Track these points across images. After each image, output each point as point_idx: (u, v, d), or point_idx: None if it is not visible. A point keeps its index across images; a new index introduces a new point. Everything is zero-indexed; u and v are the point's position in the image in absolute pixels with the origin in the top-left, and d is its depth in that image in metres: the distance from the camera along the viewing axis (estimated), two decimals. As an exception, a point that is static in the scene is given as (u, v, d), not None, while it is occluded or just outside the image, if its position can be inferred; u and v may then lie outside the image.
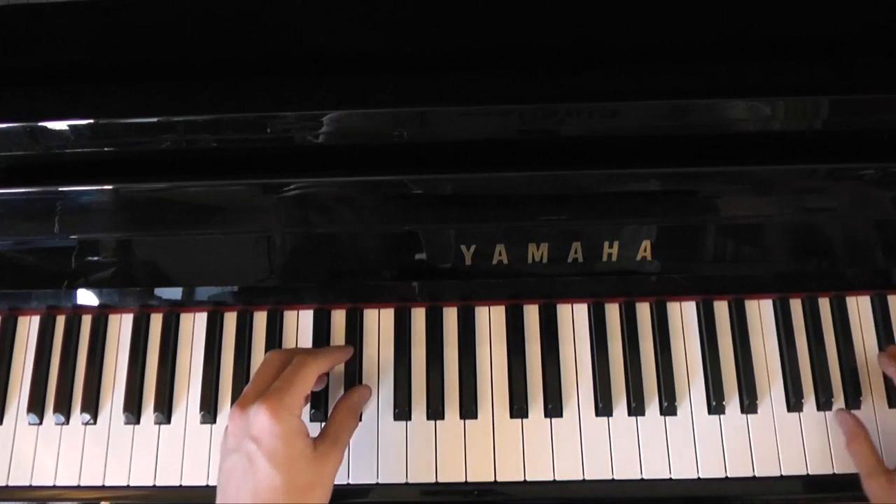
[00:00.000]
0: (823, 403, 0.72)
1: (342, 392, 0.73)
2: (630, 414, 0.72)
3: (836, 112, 0.65)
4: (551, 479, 0.71)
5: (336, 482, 0.70)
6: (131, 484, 0.72)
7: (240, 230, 0.70)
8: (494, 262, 0.71)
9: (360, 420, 0.73)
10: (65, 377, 0.75)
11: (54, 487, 0.72)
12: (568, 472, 0.71)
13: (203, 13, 0.71)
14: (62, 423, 0.74)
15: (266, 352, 0.75)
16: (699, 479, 0.71)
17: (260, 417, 0.60)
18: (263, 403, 0.61)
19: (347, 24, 0.71)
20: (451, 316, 0.76)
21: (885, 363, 0.72)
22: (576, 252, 0.71)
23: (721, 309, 0.75)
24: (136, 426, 0.74)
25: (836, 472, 0.71)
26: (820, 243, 0.72)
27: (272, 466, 0.59)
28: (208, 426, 0.73)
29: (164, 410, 0.74)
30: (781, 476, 0.70)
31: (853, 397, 0.72)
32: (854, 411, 0.72)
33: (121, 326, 0.76)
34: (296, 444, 0.61)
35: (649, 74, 0.67)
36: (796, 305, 0.75)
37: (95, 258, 0.72)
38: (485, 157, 0.69)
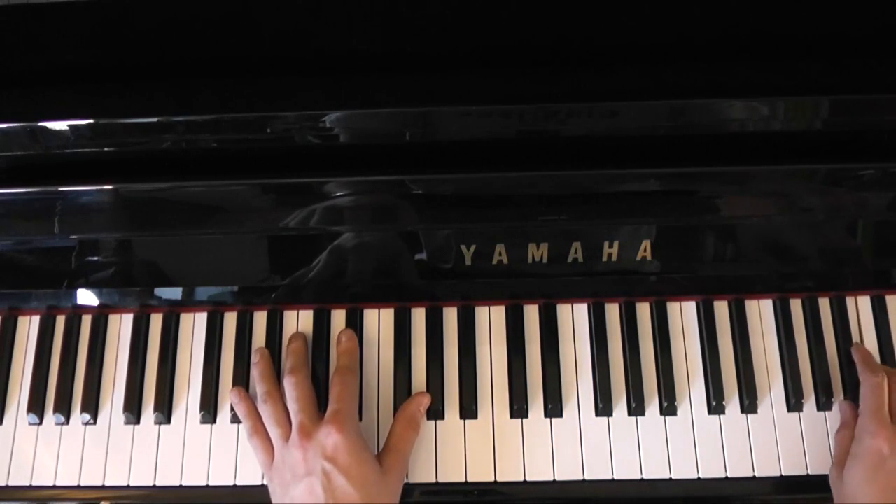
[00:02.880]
0: (823, 403, 0.72)
1: (428, 402, 0.73)
2: (630, 414, 0.72)
3: (836, 112, 0.65)
4: (551, 479, 0.71)
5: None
6: (131, 484, 0.72)
7: (240, 230, 0.70)
8: (494, 262, 0.71)
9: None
10: (65, 377, 0.75)
11: (54, 487, 0.72)
12: (568, 472, 0.71)
13: (203, 13, 0.71)
14: (62, 423, 0.74)
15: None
16: (699, 479, 0.71)
17: (333, 437, 0.63)
18: (333, 425, 0.64)
19: (348, 23, 0.71)
20: (451, 316, 0.76)
21: (855, 350, 0.73)
22: (576, 252, 0.71)
23: (721, 309, 0.75)
24: (136, 426, 0.74)
25: (836, 472, 0.71)
26: (820, 243, 0.72)
27: (350, 483, 0.61)
28: (208, 426, 0.73)
29: (164, 410, 0.74)
30: (781, 476, 0.70)
31: (853, 397, 0.72)
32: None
33: (121, 326, 0.76)
34: (367, 461, 0.64)
35: (649, 74, 0.67)
36: (796, 305, 0.75)
37: (95, 258, 0.72)
38: (485, 157, 0.69)
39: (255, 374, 0.72)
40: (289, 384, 0.69)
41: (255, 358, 0.73)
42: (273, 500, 0.66)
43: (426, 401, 0.72)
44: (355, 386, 0.70)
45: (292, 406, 0.67)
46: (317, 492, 0.61)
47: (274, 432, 0.68)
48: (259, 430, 0.69)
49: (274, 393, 0.70)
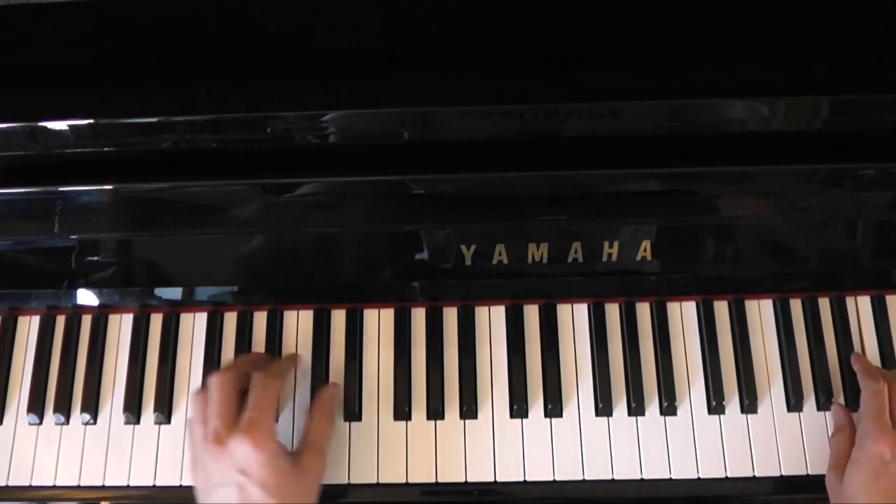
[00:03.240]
0: (823, 403, 0.72)
1: (342, 392, 0.73)
2: (630, 414, 0.72)
3: (836, 112, 0.65)
4: (551, 479, 0.71)
5: (336, 482, 0.71)
6: (131, 484, 0.72)
7: (240, 230, 0.70)
8: (494, 262, 0.71)
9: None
10: (65, 377, 0.75)
11: (54, 487, 0.72)
12: (568, 472, 0.71)
13: (203, 13, 0.71)
14: (62, 423, 0.74)
15: (266, 351, 0.75)
16: (699, 479, 0.71)
17: (244, 449, 0.61)
18: (245, 435, 0.61)
19: (348, 23, 0.71)
20: (451, 316, 0.76)
21: (855, 359, 0.73)
22: (576, 252, 0.71)
23: (721, 309, 0.75)
24: (136, 426, 0.74)
25: (836, 472, 0.70)
26: (820, 243, 0.72)
27: (265, 493, 0.60)
28: (208, 426, 0.73)
29: (164, 410, 0.74)
30: (781, 476, 0.70)
31: (853, 397, 0.72)
32: (856, 412, 0.72)
33: (121, 326, 0.76)
34: (283, 468, 0.62)
35: (649, 74, 0.67)
36: (796, 305, 0.75)
37: (95, 258, 0.72)
38: (485, 157, 0.69)
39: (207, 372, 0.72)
40: (210, 383, 0.66)
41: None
42: (193, 481, 0.65)
43: (335, 390, 0.72)
44: (276, 392, 0.67)
45: (210, 408, 0.64)
46: (233, 501, 0.61)
47: (196, 427, 0.65)
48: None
49: (230, 386, 0.66)
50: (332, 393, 0.72)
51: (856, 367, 0.72)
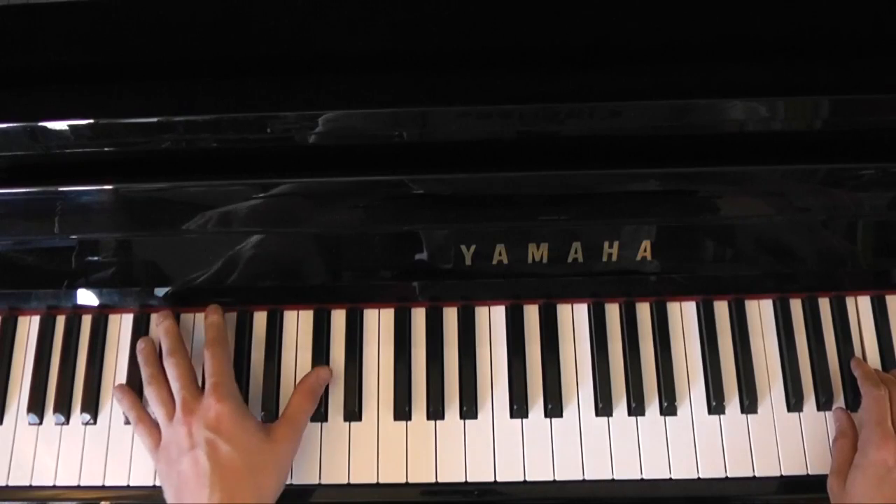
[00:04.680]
0: (823, 403, 0.72)
1: (342, 392, 0.73)
2: (630, 414, 0.72)
3: (837, 112, 0.65)
4: (551, 479, 0.71)
5: (336, 482, 0.71)
6: (131, 484, 0.72)
7: (240, 230, 0.70)
8: (494, 262, 0.71)
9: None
10: (65, 377, 0.75)
11: (54, 487, 0.72)
12: (568, 472, 0.71)
13: (203, 13, 0.71)
14: (62, 423, 0.74)
15: (266, 351, 0.75)
16: (699, 479, 0.71)
17: (214, 408, 0.65)
18: (213, 396, 0.66)
19: (347, 23, 0.71)
20: (451, 316, 0.76)
21: (855, 365, 0.73)
22: (576, 252, 0.71)
23: (721, 309, 0.75)
24: (136, 426, 0.74)
25: (836, 472, 0.70)
26: (820, 243, 0.72)
27: (234, 449, 0.63)
28: (208, 426, 0.73)
29: (164, 410, 0.73)
30: (781, 476, 0.70)
31: (853, 397, 0.72)
32: (855, 412, 0.72)
33: (121, 326, 0.76)
34: (250, 429, 0.65)
35: (649, 74, 0.67)
36: (796, 305, 0.75)
37: (95, 258, 0.72)
38: (485, 157, 0.69)
39: (140, 359, 0.72)
40: (169, 365, 0.70)
41: (140, 345, 0.73)
42: (161, 482, 0.67)
43: (326, 374, 0.73)
44: (227, 356, 0.71)
45: (174, 385, 0.68)
46: (201, 461, 0.63)
47: (159, 412, 0.68)
48: (143, 417, 0.70)
49: (158, 375, 0.70)
50: (318, 375, 0.72)
51: (856, 372, 0.72)
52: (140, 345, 0.73)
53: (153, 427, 0.69)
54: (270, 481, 0.65)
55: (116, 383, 0.74)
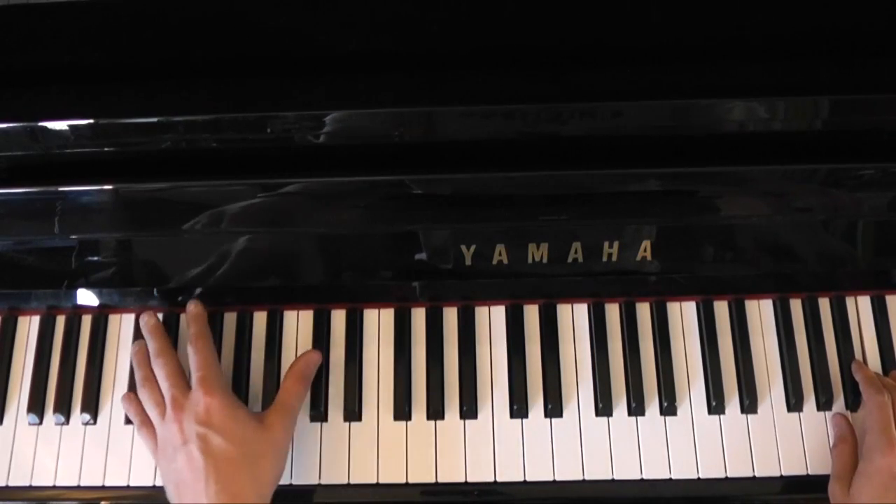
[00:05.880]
0: (823, 403, 0.72)
1: (342, 392, 0.73)
2: (630, 414, 0.72)
3: (837, 112, 0.65)
4: (551, 479, 0.71)
5: (336, 482, 0.71)
6: (131, 484, 0.72)
7: (240, 230, 0.70)
8: (494, 262, 0.71)
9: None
10: (65, 377, 0.75)
11: (54, 487, 0.72)
12: (568, 472, 0.71)
13: (203, 13, 0.71)
14: (62, 423, 0.74)
15: (266, 351, 0.75)
16: (699, 479, 0.71)
17: (203, 402, 0.65)
18: (201, 390, 0.66)
19: (348, 23, 0.71)
20: (451, 316, 0.76)
21: (857, 369, 0.73)
22: (576, 252, 0.71)
23: (721, 309, 0.75)
24: (136, 426, 0.74)
25: (835, 472, 0.70)
26: (820, 243, 0.72)
27: (227, 440, 0.63)
28: (208, 426, 0.73)
29: (164, 410, 0.73)
30: (781, 476, 0.70)
31: (853, 397, 0.72)
32: (854, 412, 0.72)
33: (121, 326, 0.76)
34: (241, 418, 0.65)
35: (650, 75, 0.67)
36: (796, 305, 0.75)
37: (95, 258, 0.72)
38: (485, 157, 0.69)
39: (134, 363, 0.73)
40: (157, 366, 0.70)
41: (133, 349, 0.74)
42: (163, 482, 0.67)
43: (317, 357, 0.73)
44: (212, 349, 0.70)
45: (163, 385, 0.68)
46: (195, 456, 0.63)
47: (153, 413, 0.68)
48: (144, 421, 0.70)
49: (150, 377, 0.70)
50: (308, 359, 0.72)
51: (858, 377, 0.72)
52: (133, 348, 0.74)
53: (152, 429, 0.69)
54: (267, 469, 0.65)
55: (116, 384, 0.74)
